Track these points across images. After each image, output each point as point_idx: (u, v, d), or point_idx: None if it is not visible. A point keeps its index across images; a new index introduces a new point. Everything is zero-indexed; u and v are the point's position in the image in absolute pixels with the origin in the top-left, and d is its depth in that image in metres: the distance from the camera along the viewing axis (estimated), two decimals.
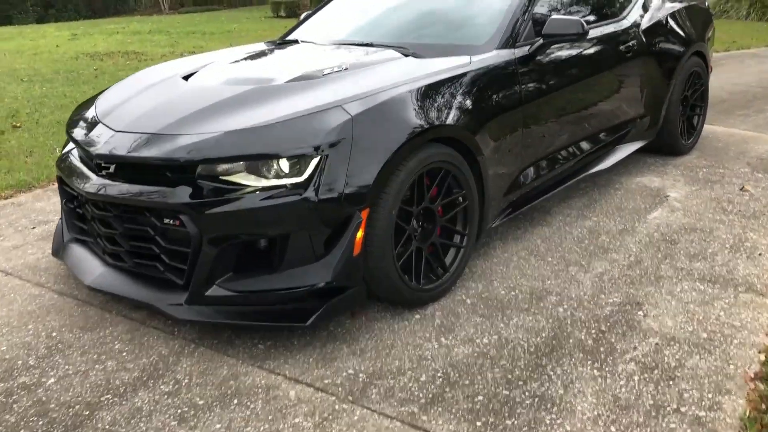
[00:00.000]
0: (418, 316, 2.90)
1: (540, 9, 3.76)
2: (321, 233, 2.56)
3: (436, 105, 2.92)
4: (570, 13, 3.98)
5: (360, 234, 2.61)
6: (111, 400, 2.39)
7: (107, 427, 2.25)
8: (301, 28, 4.26)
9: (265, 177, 2.55)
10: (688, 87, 4.86)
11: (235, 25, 18.50)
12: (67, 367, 2.60)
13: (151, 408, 2.35)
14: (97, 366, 2.60)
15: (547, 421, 2.22)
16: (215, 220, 2.51)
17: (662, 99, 4.59)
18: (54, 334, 2.83)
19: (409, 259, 2.88)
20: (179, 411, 2.32)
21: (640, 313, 2.88)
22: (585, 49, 3.87)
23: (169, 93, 3.10)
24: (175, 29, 17.06)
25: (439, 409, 2.29)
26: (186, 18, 22.58)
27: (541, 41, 3.48)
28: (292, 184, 2.52)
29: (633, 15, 4.42)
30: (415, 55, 3.36)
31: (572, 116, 3.80)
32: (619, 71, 4.19)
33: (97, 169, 2.83)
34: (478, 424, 2.22)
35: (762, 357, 2.54)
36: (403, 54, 3.38)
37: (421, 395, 2.37)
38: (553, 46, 3.61)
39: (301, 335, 2.76)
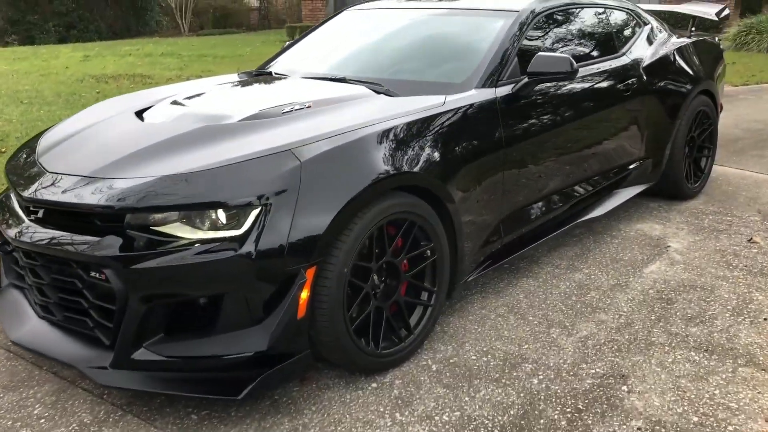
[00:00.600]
0: (374, 385, 2.60)
1: (533, 44, 3.50)
2: (259, 294, 2.29)
3: (401, 149, 2.65)
4: (563, 49, 3.70)
5: (305, 295, 2.33)
6: None
7: None
8: (280, 58, 4.02)
9: (200, 229, 2.29)
10: (694, 127, 4.54)
11: (249, 49, 18.46)
12: None
13: None
14: None
15: None
16: (142, 275, 2.25)
17: (665, 140, 4.28)
18: None
19: (368, 319, 2.59)
20: None
21: (624, 388, 2.56)
22: (578, 88, 3.59)
23: (115, 130, 2.86)
24: (188, 52, 17.04)
25: None
26: (202, 41, 22.66)
27: (526, 80, 3.20)
28: (228, 238, 2.25)
29: (634, 51, 4.13)
30: (388, 93, 3.10)
31: (562, 159, 3.51)
32: (617, 111, 3.90)
33: (26, 213, 2.58)
34: None
35: None
36: (376, 91, 3.13)
37: None
38: (542, 85, 3.33)
39: (241, 404, 2.47)
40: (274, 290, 2.29)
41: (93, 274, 2.36)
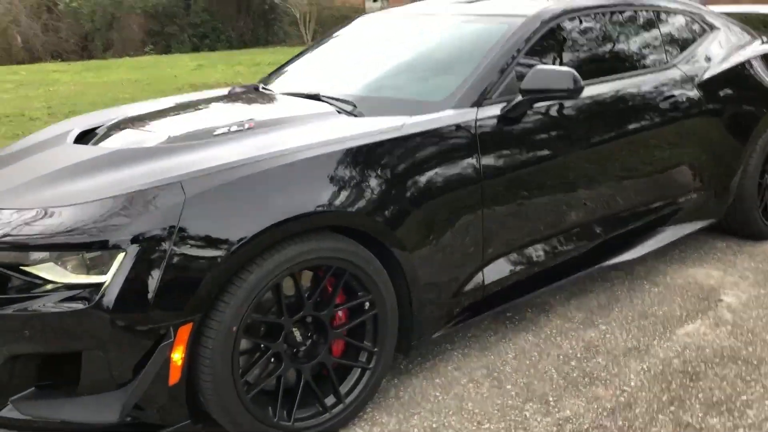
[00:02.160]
0: None
1: (547, 55, 2.95)
2: (122, 354, 1.94)
3: (332, 182, 2.23)
4: (584, 61, 3.10)
5: (177, 357, 1.96)
6: None
7: None
8: (286, 69, 3.66)
9: (68, 272, 1.98)
10: None
11: None
12: None
13: None
14: None
15: None
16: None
17: (732, 169, 3.53)
18: None
19: (277, 384, 2.18)
20: None
21: None
22: (599, 107, 2.98)
23: (41, 154, 2.62)
24: None
25: None
26: None
27: (519, 98, 2.65)
28: (88, 285, 1.93)
29: (690, 62, 3.43)
30: (353, 113, 2.68)
31: (575, 193, 2.92)
32: (658, 134, 3.22)
33: None
34: None
35: None
36: (341, 110, 2.71)
37: None
38: (545, 104, 2.77)
39: None
40: (138, 350, 1.94)
41: None
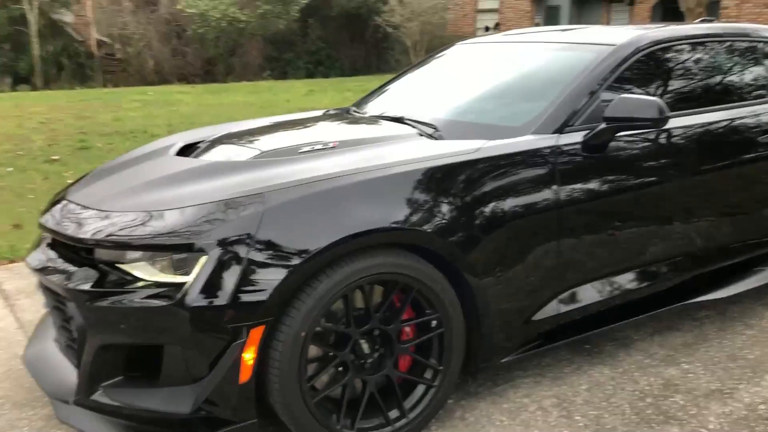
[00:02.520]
0: None
1: (639, 83, 2.92)
2: (199, 350, 2.08)
3: (404, 201, 2.29)
4: (676, 94, 3.02)
5: (249, 357, 2.07)
6: None
7: None
8: (373, 95, 3.80)
9: (158, 272, 2.15)
10: None
11: None
12: None
13: None
14: None
15: None
16: (96, 313, 2.17)
17: None
18: None
19: (342, 392, 2.26)
20: None
21: None
22: (692, 138, 2.90)
23: (145, 164, 2.84)
24: None
25: None
26: None
27: (603, 126, 2.63)
28: (173, 284, 2.09)
29: None
30: (433, 136, 2.74)
31: (658, 227, 2.84)
32: (760, 167, 3.08)
33: (44, 240, 2.66)
34: None
35: None
36: (423, 132, 2.79)
37: None
38: (634, 133, 2.73)
39: None
40: (214, 348, 2.07)
41: (63, 305, 2.34)
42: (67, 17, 26.82)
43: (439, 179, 2.38)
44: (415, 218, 2.27)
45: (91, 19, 26.71)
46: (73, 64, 25.81)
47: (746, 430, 2.41)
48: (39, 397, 2.72)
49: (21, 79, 24.77)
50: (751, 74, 3.26)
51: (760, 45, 3.35)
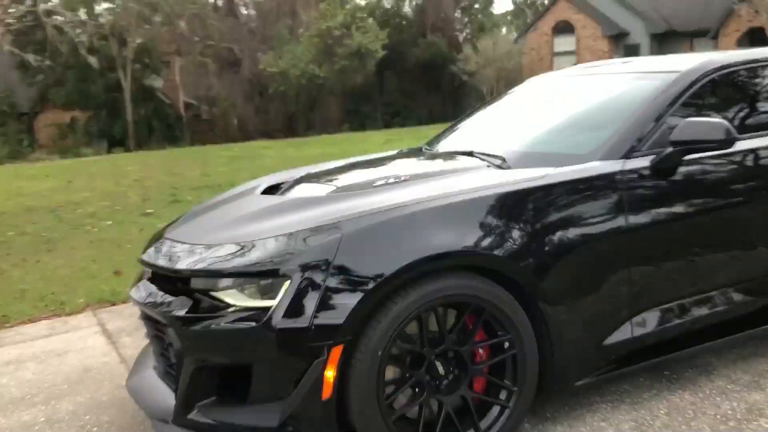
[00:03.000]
0: None
1: (708, 109, 2.96)
2: (283, 368, 2.24)
3: (474, 226, 2.41)
4: (744, 117, 3.03)
5: (330, 374, 2.21)
6: None
7: None
8: (445, 134, 3.96)
9: (246, 297, 2.34)
10: None
11: None
12: None
13: None
14: None
15: None
16: (191, 336, 2.37)
17: None
18: (94, 430, 2.92)
19: (419, 412, 2.35)
20: None
21: None
22: (759, 160, 2.89)
23: (234, 204, 3.08)
24: None
25: None
26: None
27: (670, 149, 2.68)
28: (260, 308, 2.26)
29: None
30: (501, 166, 2.86)
31: (731, 250, 2.84)
32: None
33: (145, 274, 2.91)
34: None
35: None
36: (491, 164, 2.91)
37: None
38: (703, 156, 2.76)
39: None
40: (298, 366, 2.22)
41: (165, 330, 2.56)
42: (157, 82, 28.60)
43: (504, 206, 2.48)
44: (483, 242, 2.38)
45: (179, 83, 28.37)
46: (163, 126, 27.40)
47: None
48: (140, 422, 2.93)
49: (116, 142, 26.48)
50: None
51: None
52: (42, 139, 26.97)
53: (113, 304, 4.70)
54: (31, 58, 20.90)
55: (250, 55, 28.13)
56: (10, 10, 15.40)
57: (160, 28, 26.52)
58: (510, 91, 3.98)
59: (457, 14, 35.25)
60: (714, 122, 2.61)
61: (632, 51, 27.65)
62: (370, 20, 28.02)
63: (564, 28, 29.24)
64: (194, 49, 27.74)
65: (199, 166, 12.85)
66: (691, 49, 27.62)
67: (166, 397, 2.63)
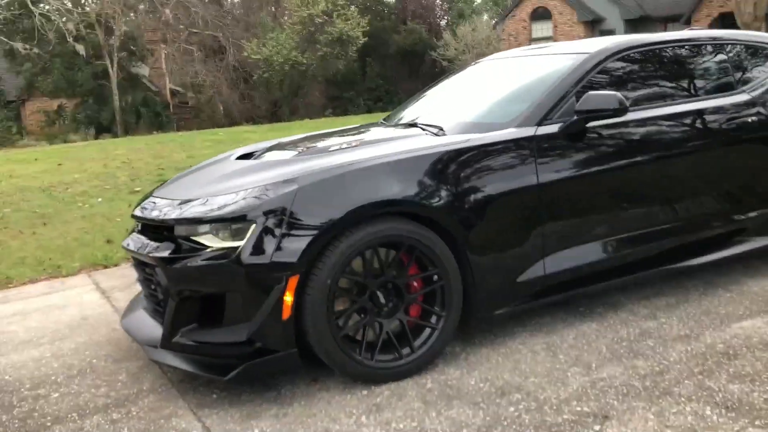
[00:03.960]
0: (365, 392, 2.85)
1: (613, 83, 3.48)
2: (251, 295, 2.75)
3: (406, 180, 2.93)
4: (644, 89, 3.57)
5: (289, 299, 2.73)
6: (76, 417, 2.85)
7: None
8: (400, 109, 4.46)
9: (220, 240, 2.85)
10: None
11: None
12: (74, 387, 3.14)
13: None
14: (92, 389, 3.10)
15: None
16: (175, 273, 2.88)
17: None
18: (94, 361, 3.43)
19: (362, 330, 2.89)
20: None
21: (597, 427, 2.45)
22: (659, 124, 3.43)
23: (212, 168, 3.59)
24: None
25: None
26: None
27: (575, 117, 3.21)
28: (230, 248, 2.78)
29: (761, 87, 3.74)
30: (437, 134, 3.38)
31: (631, 202, 3.37)
32: (725, 152, 3.58)
33: (136, 228, 3.41)
34: None
35: None
36: (430, 132, 3.42)
37: None
38: (612, 123, 3.29)
39: (254, 393, 2.92)
40: (262, 293, 2.74)
41: (154, 271, 3.07)
42: (143, 70, 28.80)
43: (433, 164, 3.00)
44: (413, 193, 2.90)
45: (165, 70, 28.61)
46: (150, 113, 27.67)
47: (701, 360, 2.89)
48: (133, 354, 3.44)
49: (103, 129, 26.75)
50: (715, 72, 3.77)
51: (729, 47, 3.86)
52: (30, 126, 27.24)
53: (106, 267, 5.20)
54: (19, 46, 21.15)
55: (234, 42, 28.40)
56: None
57: (145, 16, 26.77)
58: (455, 73, 4.50)
59: (438, 1, 35.53)
60: (609, 94, 3.14)
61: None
62: (352, 8, 28.31)
63: (541, 14, 29.76)
64: (179, 36, 28.01)
65: (185, 149, 13.26)
66: None
67: (154, 329, 3.15)
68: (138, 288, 3.58)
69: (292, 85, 28.24)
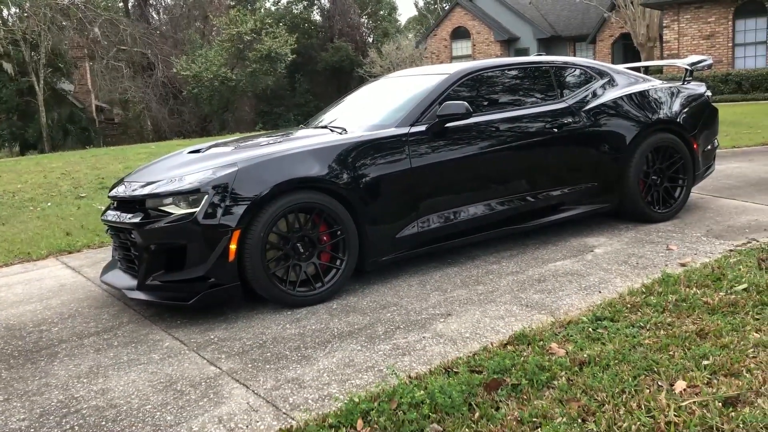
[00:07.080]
0: (288, 313, 4.04)
1: (469, 95, 4.81)
2: (206, 246, 3.91)
3: (314, 163, 4.16)
4: (489, 99, 4.94)
5: (233, 246, 3.90)
6: (75, 339, 3.92)
7: (60, 350, 3.78)
8: (316, 117, 5.71)
9: (181, 209, 3.99)
10: (656, 160, 5.32)
11: None
12: (68, 324, 4.20)
13: (95, 347, 3.83)
14: (83, 324, 4.17)
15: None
16: (149, 233, 4.00)
17: (610, 169, 5.16)
18: (79, 308, 4.48)
19: (288, 270, 4.09)
20: (103, 347, 3.77)
21: (441, 319, 3.72)
22: (499, 126, 4.78)
23: (169, 159, 4.74)
24: None
25: (236, 358, 3.45)
26: None
27: (437, 120, 4.52)
28: (189, 213, 3.93)
29: (578, 97, 5.16)
30: (341, 133, 4.62)
31: (480, 179, 4.70)
32: (547, 144, 4.95)
33: (112, 205, 4.51)
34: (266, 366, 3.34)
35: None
36: (336, 131, 4.67)
37: (233, 351, 3.54)
38: (463, 123, 4.61)
39: (208, 318, 4.06)
40: (214, 243, 3.90)
41: (129, 235, 4.18)
42: (68, 86, 29.00)
43: (336, 152, 4.25)
44: (320, 172, 4.13)
45: (90, 87, 28.91)
46: (77, 129, 27.95)
47: (520, 284, 4.22)
48: (110, 303, 4.52)
49: (29, 145, 26.85)
50: (539, 87, 5.18)
51: (551, 68, 5.28)
52: None
53: (70, 253, 6.19)
54: None
55: (163, 59, 29.00)
56: None
57: (72, 34, 27.13)
58: (357, 89, 5.79)
59: (364, 20, 37.02)
60: (459, 103, 4.46)
61: (521, 54, 30.37)
62: (280, 25, 29.39)
63: (461, 33, 31.69)
64: (106, 53, 28.43)
65: (120, 161, 14.06)
66: (574, 53, 30.63)
67: (129, 280, 4.27)
68: (108, 259, 4.66)
69: (222, 101, 29.06)
